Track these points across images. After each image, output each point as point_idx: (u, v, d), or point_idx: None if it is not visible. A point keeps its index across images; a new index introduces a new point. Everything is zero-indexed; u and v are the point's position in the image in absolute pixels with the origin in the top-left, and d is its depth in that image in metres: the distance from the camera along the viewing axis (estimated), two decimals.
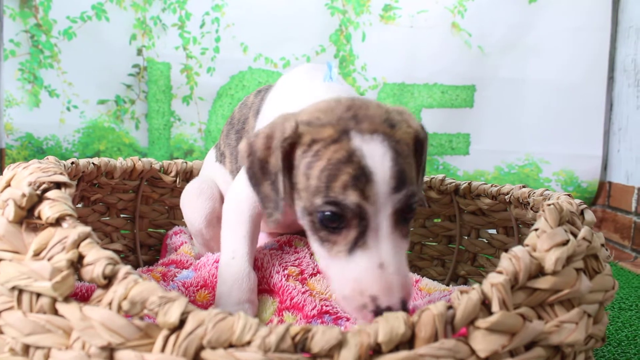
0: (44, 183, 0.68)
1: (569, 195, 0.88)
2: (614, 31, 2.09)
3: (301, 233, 1.19)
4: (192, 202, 1.19)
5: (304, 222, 0.76)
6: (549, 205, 0.74)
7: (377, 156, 0.70)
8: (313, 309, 0.91)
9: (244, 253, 0.95)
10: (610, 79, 2.11)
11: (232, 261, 0.94)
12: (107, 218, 1.35)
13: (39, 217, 0.65)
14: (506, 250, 0.65)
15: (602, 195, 2.14)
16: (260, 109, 1.07)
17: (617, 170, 2.08)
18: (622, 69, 2.06)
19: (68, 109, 2.07)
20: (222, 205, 1.04)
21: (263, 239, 1.23)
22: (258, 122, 1.04)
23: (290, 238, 1.13)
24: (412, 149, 0.77)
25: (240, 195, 0.98)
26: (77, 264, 0.59)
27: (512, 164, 2.16)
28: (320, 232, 0.73)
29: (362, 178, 0.69)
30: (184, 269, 1.11)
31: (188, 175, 1.41)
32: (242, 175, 1.00)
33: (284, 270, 1.00)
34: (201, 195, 1.18)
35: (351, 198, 0.68)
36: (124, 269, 0.58)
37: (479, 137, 2.17)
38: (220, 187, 1.19)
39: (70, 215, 0.64)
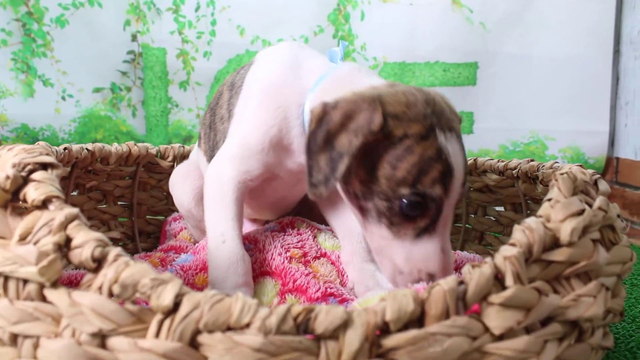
0: (28, 164, 0.65)
1: (580, 165, 0.84)
2: (619, 3, 2.04)
3: (285, 216, 1.16)
4: (180, 184, 1.17)
5: (368, 204, 0.80)
6: (562, 174, 0.70)
7: (456, 154, 0.78)
8: (317, 291, 0.88)
9: (235, 235, 0.90)
10: (616, 52, 2.06)
11: (222, 245, 0.89)
12: (104, 206, 1.32)
13: (24, 200, 0.62)
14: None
15: (610, 171, 2.10)
16: (236, 83, 1.04)
17: (624, 146, 2.04)
18: (628, 42, 2.01)
19: (63, 98, 2.03)
20: None
21: (246, 227, 1.20)
22: (241, 96, 1.00)
23: (292, 219, 1.09)
24: None
25: (223, 177, 0.95)
26: (64, 247, 0.56)
27: (517, 141, 2.12)
28: (393, 217, 0.78)
29: (447, 175, 0.76)
30: (183, 254, 1.08)
31: (185, 160, 1.37)
32: (223, 155, 0.97)
33: (286, 253, 0.97)
34: (188, 176, 1.16)
35: (437, 192, 0.76)
36: (114, 251, 0.55)
37: (482, 116, 2.13)
38: (202, 172, 1.16)
39: (56, 197, 0.61)
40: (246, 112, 0.96)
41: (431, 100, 0.80)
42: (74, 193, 1.22)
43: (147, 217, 1.42)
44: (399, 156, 0.75)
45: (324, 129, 0.76)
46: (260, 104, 0.93)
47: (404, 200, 0.76)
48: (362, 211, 0.81)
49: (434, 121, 0.77)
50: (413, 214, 0.77)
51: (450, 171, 0.76)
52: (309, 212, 1.17)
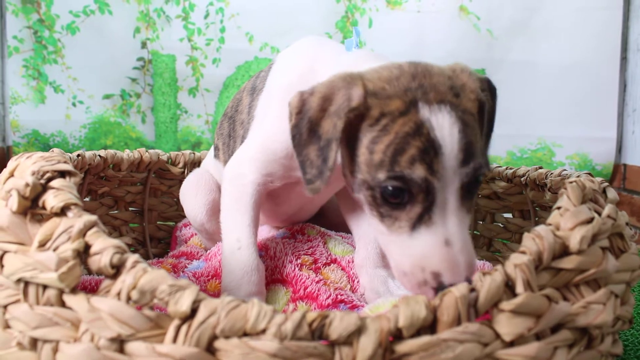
0: (47, 172, 0.66)
1: (588, 173, 0.85)
2: (626, 10, 2.04)
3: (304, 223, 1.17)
4: (191, 197, 1.16)
5: (360, 195, 0.72)
6: (571, 182, 0.71)
7: (445, 128, 0.66)
8: (327, 298, 0.89)
9: (250, 242, 0.90)
10: (624, 59, 2.07)
11: (238, 252, 0.89)
12: (116, 211, 1.33)
13: (43, 207, 0.63)
14: (522, 234, 0.62)
15: (617, 178, 2.10)
16: (257, 86, 1.02)
17: (632, 152, 2.04)
18: (635, 49, 2.01)
19: (74, 104, 2.05)
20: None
21: (265, 231, 1.20)
22: (261, 98, 0.99)
23: (302, 226, 1.10)
24: (477, 118, 0.73)
25: (243, 179, 0.93)
26: (83, 254, 0.57)
27: (524, 148, 2.13)
28: (381, 208, 0.69)
29: (430, 151, 0.65)
30: (195, 260, 1.09)
31: (196, 166, 1.38)
32: (243, 156, 0.95)
33: (296, 260, 0.98)
34: (200, 190, 1.15)
35: (418, 172, 0.65)
36: (132, 257, 0.56)
37: None
38: (219, 182, 1.15)
39: (75, 204, 0.62)
40: (268, 114, 0.94)
41: (420, 73, 0.70)
42: (87, 199, 1.23)
43: (158, 222, 1.43)
44: (375, 138, 0.68)
45: (306, 119, 0.71)
46: (280, 109, 0.89)
47: (383, 186, 0.67)
48: (361, 204, 0.74)
49: (418, 95, 0.68)
50: (397, 202, 0.68)
51: (433, 147, 0.65)
52: (319, 218, 1.18)
